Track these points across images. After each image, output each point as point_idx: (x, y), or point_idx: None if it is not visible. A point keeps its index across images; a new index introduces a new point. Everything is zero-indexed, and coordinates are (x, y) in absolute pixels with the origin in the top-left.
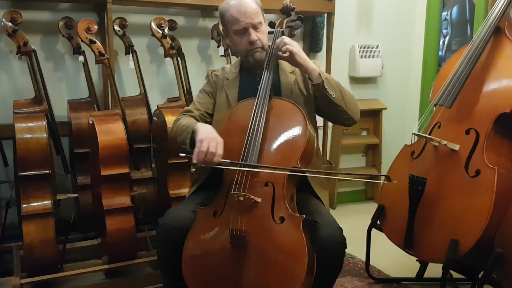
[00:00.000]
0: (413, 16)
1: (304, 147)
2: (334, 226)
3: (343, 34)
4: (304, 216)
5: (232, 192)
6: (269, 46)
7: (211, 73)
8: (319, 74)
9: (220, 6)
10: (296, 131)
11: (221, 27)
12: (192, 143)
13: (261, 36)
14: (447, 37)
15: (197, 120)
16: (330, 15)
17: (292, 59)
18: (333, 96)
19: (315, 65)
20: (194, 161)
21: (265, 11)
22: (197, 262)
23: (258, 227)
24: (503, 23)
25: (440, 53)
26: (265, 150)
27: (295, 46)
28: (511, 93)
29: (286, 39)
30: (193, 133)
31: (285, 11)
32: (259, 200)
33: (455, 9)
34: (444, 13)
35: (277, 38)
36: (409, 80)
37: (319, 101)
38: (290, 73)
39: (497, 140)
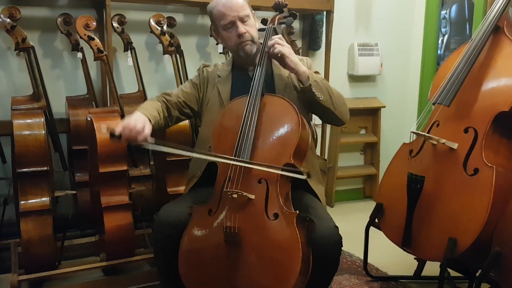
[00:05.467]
0: (412, 15)
1: (297, 144)
2: (330, 225)
3: (342, 32)
4: (297, 212)
5: (225, 189)
6: (261, 43)
7: (203, 67)
8: (308, 77)
9: (208, 6)
10: (288, 127)
11: (212, 27)
12: None
13: (250, 29)
14: (446, 36)
15: (171, 106)
16: (329, 13)
17: (283, 61)
18: (320, 98)
19: (305, 66)
20: (118, 132)
21: (256, 7)
22: (193, 259)
23: (251, 224)
24: (502, 22)
25: (439, 52)
26: (258, 147)
27: (287, 49)
28: (510, 92)
29: (279, 40)
30: None
31: (278, 8)
32: (252, 197)
33: (454, 7)
34: (443, 12)
35: (269, 35)
36: (408, 79)
37: (308, 100)
38: None
39: (496, 138)
